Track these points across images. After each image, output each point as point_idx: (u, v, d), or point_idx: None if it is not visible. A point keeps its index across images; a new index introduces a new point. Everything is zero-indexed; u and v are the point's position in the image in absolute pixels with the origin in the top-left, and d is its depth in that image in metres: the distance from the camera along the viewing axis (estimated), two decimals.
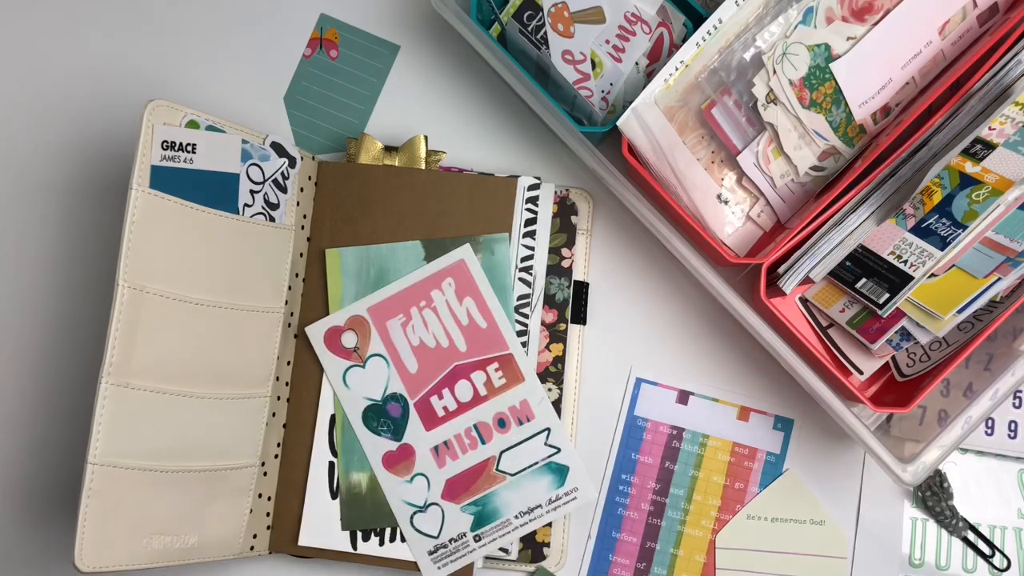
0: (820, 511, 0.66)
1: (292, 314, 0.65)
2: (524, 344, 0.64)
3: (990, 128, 0.57)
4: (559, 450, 0.63)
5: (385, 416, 0.64)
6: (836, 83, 0.59)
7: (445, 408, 0.63)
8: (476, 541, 0.63)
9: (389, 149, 0.67)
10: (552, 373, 0.65)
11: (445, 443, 0.63)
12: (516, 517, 0.63)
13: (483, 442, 0.63)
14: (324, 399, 0.64)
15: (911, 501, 0.66)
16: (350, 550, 0.63)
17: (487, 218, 0.65)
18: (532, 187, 0.65)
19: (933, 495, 0.65)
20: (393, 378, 0.64)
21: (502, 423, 0.63)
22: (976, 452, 0.66)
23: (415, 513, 0.63)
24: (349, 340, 0.64)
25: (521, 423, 0.63)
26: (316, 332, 0.64)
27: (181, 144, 0.57)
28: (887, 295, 0.58)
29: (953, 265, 0.57)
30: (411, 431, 0.63)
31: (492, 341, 0.63)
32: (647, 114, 0.60)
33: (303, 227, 0.65)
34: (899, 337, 0.59)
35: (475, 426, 0.63)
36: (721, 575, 0.65)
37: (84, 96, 0.71)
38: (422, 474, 0.63)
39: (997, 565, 0.65)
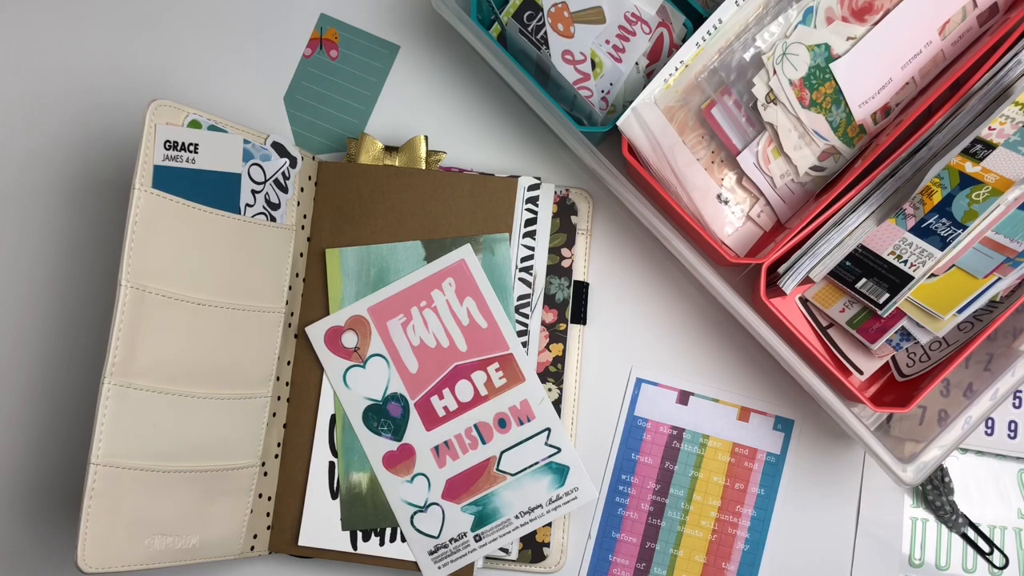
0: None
1: (292, 314, 0.65)
2: (524, 344, 0.64)
3: (990, 128, 0.57)
4: (559, 450, 0.63)
5: (385, 416, 0.64)
6: (836, 83, 0.59)
7: (445, 408, 0.63)
8: (476, 541, 0.63)
9: (389, 149, 0.67)
10: (552, 373, 0.65)
11: (445, 443, 0.63)
12: (516, 517, 0.63)
13: (483, 442, 0.63)
14: (324, 399, 0.64)
15: (911, 500, 0.66)
16: (350, 550, 0.63)
17: (487, 218, 0.65)
18: (532, 187, 0.65)
19: (934, 488, 0.65)
20: (393, 378, 0.64)
21: (502, 423, 0.63)
22: (976, 452, 0.66)
23: (415, 513, 0.63)
24: (349, 340, 0.64)
25: (521, 423, 0.63)
26: (316, 332, 0.65)
27: (183, 144, 0.57)
28: (887, 295, 0.58)
29: (953, 265, 0.57)
30: (411, 431, 0.63)
31: (492, 341, 0.64)
32: (647, 114, 0.60)
33: (303, 227, 0.65)
34: (899, 337, 0.59)
35: (475, 426, 0.63)
36: None
37: (85, 96, 0.71)
38: (422, 474, 0.63)
39: (995, 563, 0.65)
